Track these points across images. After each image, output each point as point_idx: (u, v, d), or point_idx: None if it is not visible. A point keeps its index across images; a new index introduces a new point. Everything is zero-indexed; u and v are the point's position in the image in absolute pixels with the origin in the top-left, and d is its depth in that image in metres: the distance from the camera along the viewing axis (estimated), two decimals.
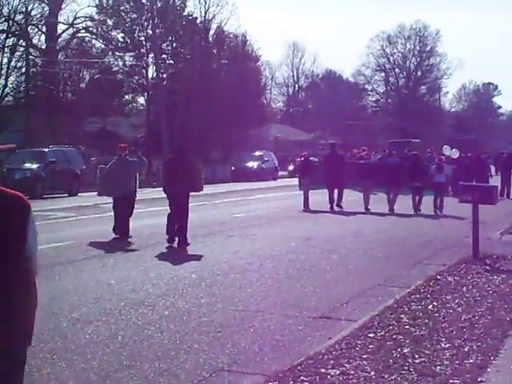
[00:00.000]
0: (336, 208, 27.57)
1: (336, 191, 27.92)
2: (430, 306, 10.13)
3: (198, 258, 15.65)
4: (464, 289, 11.35)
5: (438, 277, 12.50)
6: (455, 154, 32.79)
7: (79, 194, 38.57)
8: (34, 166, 37.34)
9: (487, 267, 13.44)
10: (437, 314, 9.66)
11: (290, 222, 23.10)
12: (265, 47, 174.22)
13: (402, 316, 9.61)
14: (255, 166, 60.33)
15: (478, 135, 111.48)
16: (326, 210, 27.15)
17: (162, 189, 18.58)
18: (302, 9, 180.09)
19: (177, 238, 17.37)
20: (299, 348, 8.66)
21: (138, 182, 20.32)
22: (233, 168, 61.97)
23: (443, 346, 8.09)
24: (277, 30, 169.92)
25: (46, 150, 40.12)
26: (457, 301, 10.47)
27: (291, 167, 69.21)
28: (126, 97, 74.92)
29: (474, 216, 14.19)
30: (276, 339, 9.07)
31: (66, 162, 39.78)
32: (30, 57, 60.40)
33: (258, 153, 63.20)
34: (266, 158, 62.88)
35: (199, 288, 12.21)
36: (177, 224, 17.51)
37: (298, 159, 33.39)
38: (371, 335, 8.62)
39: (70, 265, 14.48)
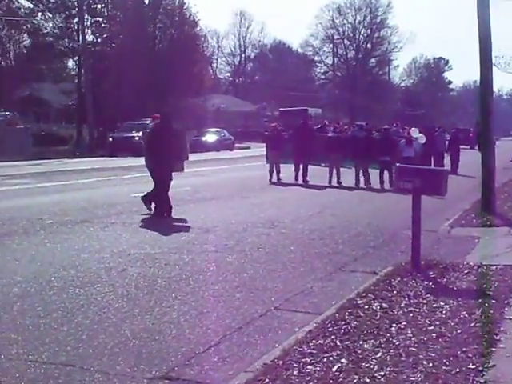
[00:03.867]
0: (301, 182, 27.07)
1: (301, 166, 27.41)
2: (335, 368, 6.22)
3: (44, 257, 11.62)
4: (393, 328, 7.45)
5: (359, 301, 8.60)
6: (422, 139, 31.16)
7: None
8: None
9: (430, 284, 9.55)
10: None
11: (196, 206, 18.94)
12: (211, 15, 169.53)
13: None
14: (136, 137, 47.89)
15: (428, 110, 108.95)
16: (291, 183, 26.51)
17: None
18: None
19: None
20: None
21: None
22: (110, 139, 52.11)
23: None
24: None
25: None
26: (379, 355, 6.55)
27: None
28: (56, 61, 70.05)
29: (414, 212, 10.24)
30: None
31: None
32: None
33: (141, 122, 50.00)
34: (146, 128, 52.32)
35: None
36: (155, 192, 17.00)
37: (266, 131, 31.46)
38: None
39: None
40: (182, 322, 8.17)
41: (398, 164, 10.29)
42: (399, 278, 9.81)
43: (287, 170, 27.64)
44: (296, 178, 27.28)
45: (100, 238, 13.58)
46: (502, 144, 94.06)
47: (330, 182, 26.77)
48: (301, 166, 27.38)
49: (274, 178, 27.42)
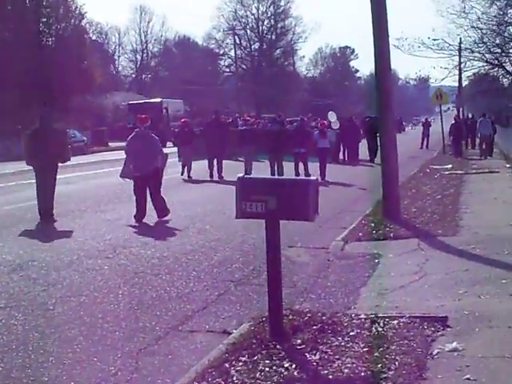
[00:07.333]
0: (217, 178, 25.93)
1: (215, 161, 26.35)
2: None
3: None
4: None
5: None
6: (336, 124, 33.58)
7: None
8: None
9: (293, 367, 5.92)
10: None
11: (33, 225, 15.02)
12: (111, 11, 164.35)
13: None
14: None
15: (336, 100, 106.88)
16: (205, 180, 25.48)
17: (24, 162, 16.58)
18: None
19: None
20: None
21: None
22: None
23: None
24: None
25: None
26: None
27: None
28: None
29: (270, 249, 6.59)
30: None
31: None
32: None
33: None
34: None
35: None
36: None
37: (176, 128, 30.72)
38: None
39: None
40: None
41: (240, 175, 6.60)
42: (247, 355, 6.20)
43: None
44: (211, 175, 26.16)
45: None
46: (411, 131, 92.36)
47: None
48: (215, 162, 26.30)
49: (185, 175, 26.35)
